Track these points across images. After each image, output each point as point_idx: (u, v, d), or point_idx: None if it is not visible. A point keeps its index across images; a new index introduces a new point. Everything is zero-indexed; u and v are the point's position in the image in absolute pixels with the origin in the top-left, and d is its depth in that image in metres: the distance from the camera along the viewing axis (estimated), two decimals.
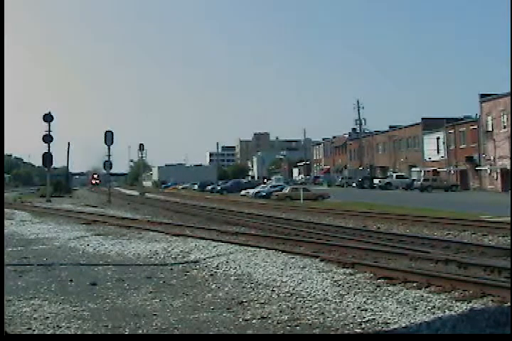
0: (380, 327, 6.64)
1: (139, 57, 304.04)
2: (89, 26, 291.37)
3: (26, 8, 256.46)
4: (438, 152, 68.35)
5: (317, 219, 24.25)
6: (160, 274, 10.60)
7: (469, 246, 13.71)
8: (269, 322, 7.00)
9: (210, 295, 8.69)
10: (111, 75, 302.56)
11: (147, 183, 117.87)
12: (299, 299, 8.22)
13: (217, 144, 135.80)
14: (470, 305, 7.47)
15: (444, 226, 19.27)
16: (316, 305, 7.77)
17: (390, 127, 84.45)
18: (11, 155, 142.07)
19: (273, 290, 8.85)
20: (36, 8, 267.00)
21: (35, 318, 7.32)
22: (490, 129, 57.06)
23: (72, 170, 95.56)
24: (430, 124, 69.99)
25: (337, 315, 7.22)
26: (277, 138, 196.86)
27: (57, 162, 60.40)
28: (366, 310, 7.36)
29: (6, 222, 21.99)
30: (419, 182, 58.51)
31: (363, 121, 77.30)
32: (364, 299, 7.95)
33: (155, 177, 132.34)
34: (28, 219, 25.07)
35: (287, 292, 8.72)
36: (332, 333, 6.50)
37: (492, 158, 56.53)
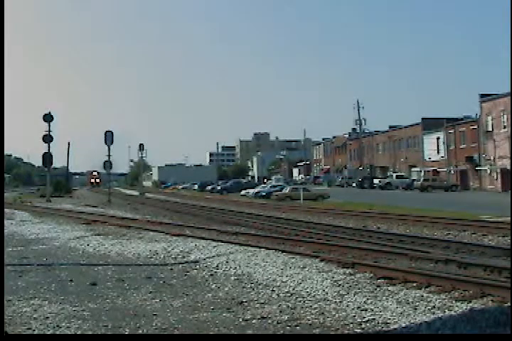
0: (380, 327, 6.64)
1: (138, 57, 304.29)
2: (90, 26, 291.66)
3: (26, 8, 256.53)
4: (438, 152, 68.34)
5: (317, 219, 24.24)
6: (160, 274, 10.59)
7: (469, 246, 13.71)
8: (269, 322, 7.00)
9: (210, 295, 8.68)
10: (111, 75, 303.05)
11: (147, 183, 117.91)
12: (299, 299, 8.22)
13: (217, 144, 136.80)
14: (470, 305, 7.48)
15: (444, 226, 19.26)
16: (316, 305, 7.76)
17: (390, 127, 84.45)
18: (11, 155, 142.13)
19: (273, 290, 8.85)
20: (36, 8, 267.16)
21: (35, 318, 7.32)
22: (490, 129, 57.05)
23: (72, 170, 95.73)
24: (430, 124, 70.00)
25: (337, 315, 7.21)
26: (277, 138, 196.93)
27: (57, 162, 60.56)
28: (366, 310, 7.36)
29: (6, 222, 21.99)
30: (419, 182, 58.50)
31: (363, 121, 77.41)
32: (364, 299, 7.94)
33: (155, 177, 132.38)
34: (28, 219, 25.06)
35: (287, 292, 8.71)
36: (332, 333, 6.50)
37: (492, 158, 56.53)
